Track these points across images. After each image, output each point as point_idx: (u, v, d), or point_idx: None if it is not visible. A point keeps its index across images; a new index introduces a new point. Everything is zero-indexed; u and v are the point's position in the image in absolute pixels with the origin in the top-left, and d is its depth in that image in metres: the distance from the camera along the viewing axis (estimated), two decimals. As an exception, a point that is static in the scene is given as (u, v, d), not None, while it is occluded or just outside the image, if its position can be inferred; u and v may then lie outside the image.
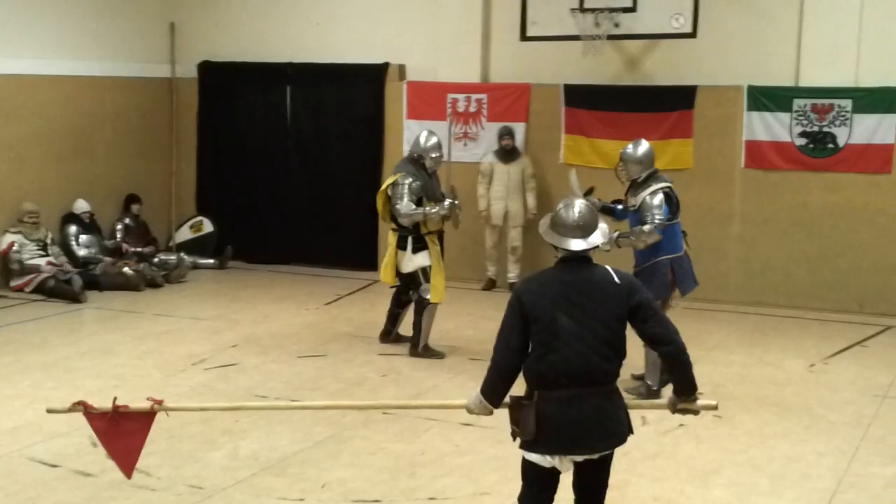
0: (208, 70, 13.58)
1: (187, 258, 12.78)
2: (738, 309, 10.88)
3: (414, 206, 8.75)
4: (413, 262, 8.90)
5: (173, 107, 13.74)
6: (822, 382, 8.48)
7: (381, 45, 12.65)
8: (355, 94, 12.87)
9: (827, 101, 10.82)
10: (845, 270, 10.92)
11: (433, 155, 8.98)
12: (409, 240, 8.86)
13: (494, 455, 6.68)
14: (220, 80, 13.53)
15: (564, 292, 4.41)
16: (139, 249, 12.44)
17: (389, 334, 9.40)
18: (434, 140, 9.04)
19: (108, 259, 11.94)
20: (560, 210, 4.57)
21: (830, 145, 10.84)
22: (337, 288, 11.93)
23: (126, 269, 11.75)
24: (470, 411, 4.63)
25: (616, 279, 4.47)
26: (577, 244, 4.48)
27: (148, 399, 5.22)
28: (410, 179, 8.83)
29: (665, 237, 7.79)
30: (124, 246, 12.38)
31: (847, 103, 10.73)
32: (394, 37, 12.65)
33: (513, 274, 11.85)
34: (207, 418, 7.16)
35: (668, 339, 4.44)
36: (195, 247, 13.36)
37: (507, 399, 4.56)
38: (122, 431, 5.09)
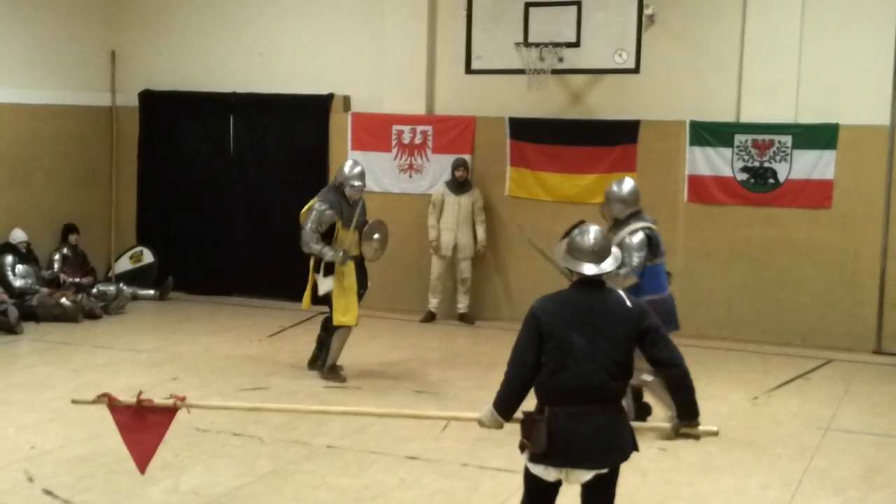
0: (149, 99, 13.43)
1: (127, 289, 12.58)
2: (682, 342, 10.64)
3: (316, 237, 8.84)
4: (324, 285, 8.99)
5: (113, 136, 13.56)
6: (765, 415, 8.54)
7: (325, 75, 12.62)
8: (300, 124, 12.80)
9: (767, 137, 10.98)
10: (787, 304, 11.04)
11: (354, 183, 9.02)
12: (322, 264, 8.95)
13: (440, 489, 6.62)
14: (161, 109, 13.38)
15: (579, 313, 4.63)
16: (77, 280, 12.21)
17: (317, 360, 9.38)
18: (357, 169, 9.12)
19: (45, 290, 11.69)
20: (576, 236, 4.81)
21: (771, 180, 10.99)
22: (280, 320, 11.80)
23: (63, 299, 11.51)
24: (482, 424, 4.83)
25: (628, 304, 4.70)
26: (590, 269, 4.71)
27: (171, 396, 5.49)
28: (325, 207, 8.90)
29: (646, 277, 7.66)
30: (62, 276, 12.14)
31: (787, 139, 10.90)
32: (339, 68, 12.62)
33: (462, 304, 11.86)
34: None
35: (673, 363, 4.68)
36: (135, 277, 13.15)
37: (518, 413, 4.74)
38: (142, 426, 5.35)
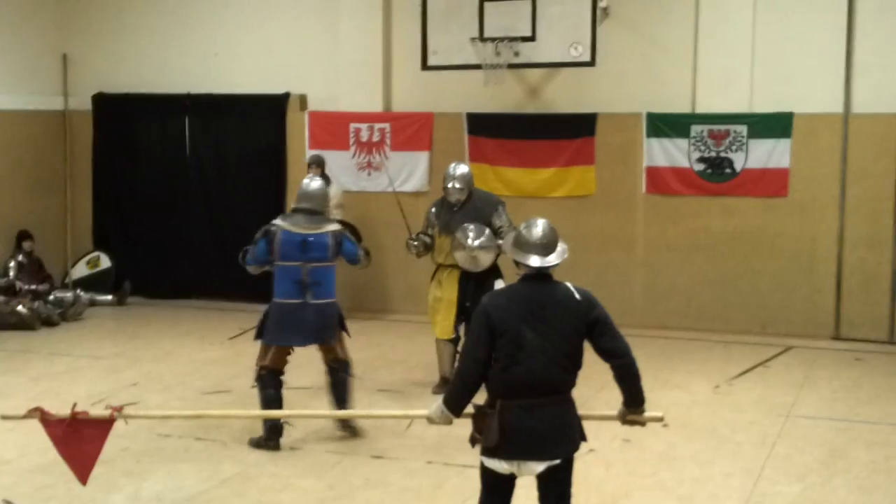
0: (103, 102, 13.28)
1: (84, 295, 12.44)
2: (644, 333, 10.91)
3: (420, 235, 8.79)
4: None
5: (67, 140, 13.41)
6: (727, 403, 8.59)
7: (281, 74, 12.53)
8: (256, 124, 12.72)
9: (723, 127, 11.04)
10: (746, 292, 11.12)
11: (447, 185, 8.59)
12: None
13: (405, 487, 6.61)
14: (115, 112, 13.24)
15: (529, 307, 4.65)
16: (33, 287, 12.05)
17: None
18: (459, 170, 8.59)
19: (0, 298, 11.53)
20: (522, 229, 4.81)
21: (728, 170, 11.06)
22: (241, 322, 11.69)
23: (20, 307, 11.36)
24: (431, 421, 4.88)
25: (577, 295, 4.72)
26: (535, 261, 4.72)
27: (107, 407, 5.33)
28: (431, 208, 8.79)
29: (274, 277, 7.48)
30: (17, 284, 11.97)
31: (742, 129, 10.97)
32: (294, 66, 12.54)
33: None
34: (107, 460, 6.91)
35: (621, 353, 4.72)
36: (92, 283, 13.01)
37: (469, 408, 4.77)
38: (79, 438, 5.20)
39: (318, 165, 11.15)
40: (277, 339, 7.46)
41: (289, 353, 7.56)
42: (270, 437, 7.28)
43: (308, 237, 7.36)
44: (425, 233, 8.80)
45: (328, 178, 11.29)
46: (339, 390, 7.53)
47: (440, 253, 8.68)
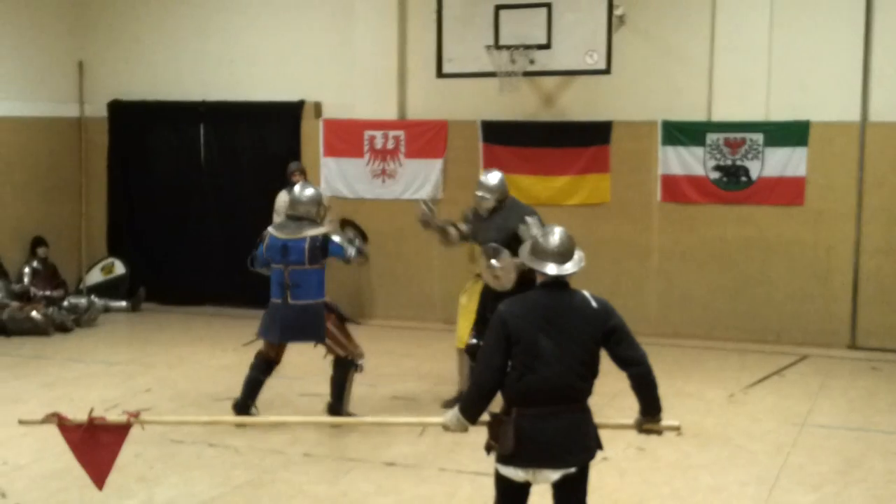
0: (119, 109, 13.33)
1: (98, 301, 12.47)
2: (658, 341, 10.84)
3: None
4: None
5: (82, 147, 13.45)
6: (741, 412, 8.55)
7: (296, 82, 12.55)
8: (271, 132, 12.73)
9: (739, 136, 11.00)
10: (761, 301, 11.07)
11: (476, 193, 8.28)
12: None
13: (418, 494, 6.59)
14: (130, 119, 13.28)
15: (546, 315, 4.65)
16: (48, 293, 12.09)
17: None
18: (492, 181, 8.20)
19: (15, 303, 11.57)
20: (539, 238, 4.83)
21: (743, 178, 11.01)
22: (254, 328, 11.52)
23: (34, 313, 11.40)
24: (446, 428, 4.85)
25: (594, 304, 4.72)
26: (552, 269, 4.72)
27: (123, 413, 5.39)
28: (469, 210, 8.53)
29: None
30: (32, 290, 12.02)
31: (758, 137, 10.93)
32: (309, 74, 12.56)
33: None
34: (120, 465, 6.91)
35: (638, 361, 4.72)
36: (106, 289, 13.04)
37: (484, 416, 4.78)
38: (96, 444, 5.24)
39: (301, 172, 11.31)
40: (262, 333, 8.14)
41: (282, 348, 8.11)
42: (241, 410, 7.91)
43: (287, 242, 7.87)
44: (455, 225, 8.46)
45: None
46: (334, 386, 7.98)
47: (471, 259, 8.62)
